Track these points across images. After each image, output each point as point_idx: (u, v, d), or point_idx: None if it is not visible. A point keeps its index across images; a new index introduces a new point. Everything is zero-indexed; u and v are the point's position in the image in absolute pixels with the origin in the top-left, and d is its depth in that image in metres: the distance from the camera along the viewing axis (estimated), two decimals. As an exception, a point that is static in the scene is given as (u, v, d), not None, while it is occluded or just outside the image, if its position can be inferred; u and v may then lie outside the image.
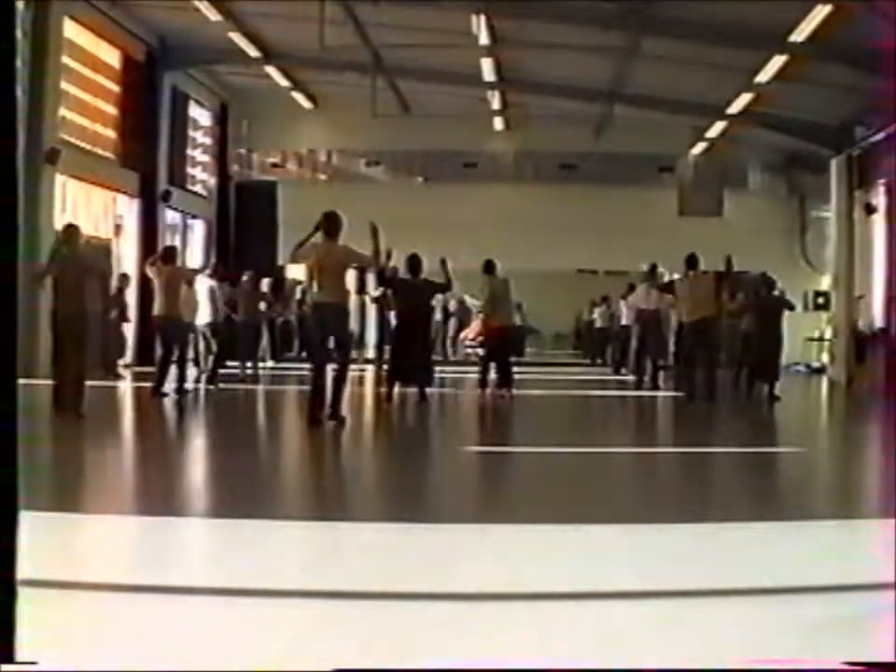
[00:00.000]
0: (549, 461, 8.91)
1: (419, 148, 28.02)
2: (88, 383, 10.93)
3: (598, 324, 25.26)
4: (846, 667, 2.92)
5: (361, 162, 29.61)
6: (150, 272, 13.76)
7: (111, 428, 10.99)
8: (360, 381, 17.33)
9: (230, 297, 16.89)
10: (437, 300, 17.25)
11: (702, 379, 14.43)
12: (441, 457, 9.46)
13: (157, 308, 13.47)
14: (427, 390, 13.78)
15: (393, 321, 14.88)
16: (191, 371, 15.16)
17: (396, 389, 13.61)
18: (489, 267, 14.81)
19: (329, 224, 10.26)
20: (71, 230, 11.29)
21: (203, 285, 15.93)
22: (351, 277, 14.15)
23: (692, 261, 14.62)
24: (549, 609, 4.13)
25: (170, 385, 13.45)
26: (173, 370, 13.51)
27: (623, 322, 19.79)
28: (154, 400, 13.05)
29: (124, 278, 19.04)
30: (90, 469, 8.08)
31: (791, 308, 15.80)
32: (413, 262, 13.56)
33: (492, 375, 14.57)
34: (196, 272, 15.28)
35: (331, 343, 10.39)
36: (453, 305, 26.43)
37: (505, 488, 7.74)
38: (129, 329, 19.67)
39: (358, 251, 10.46)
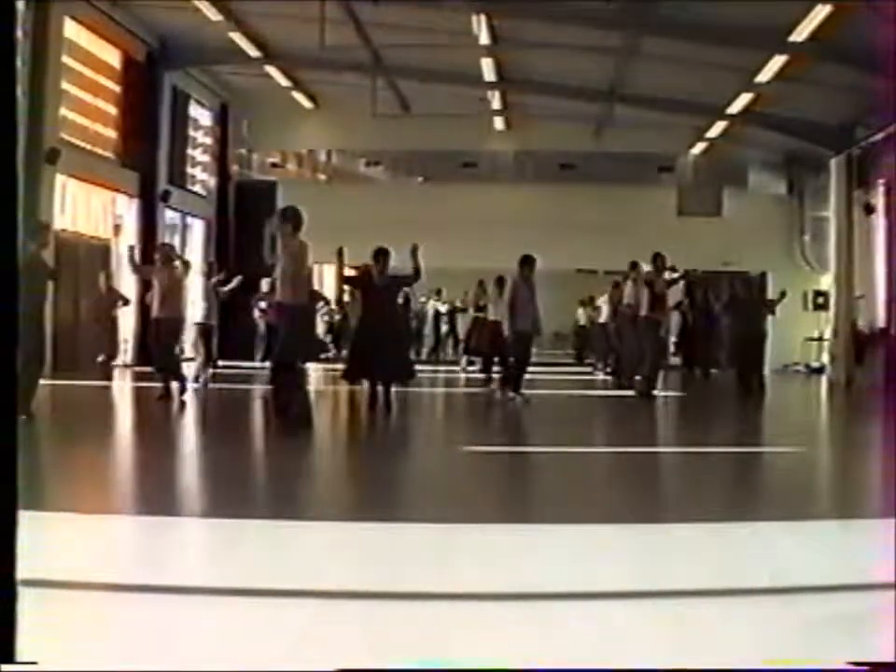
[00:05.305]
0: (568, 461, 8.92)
1: (419, 148, 27.94)
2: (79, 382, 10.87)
3: (602, 318, 25.29)
4: (846, 667, 2.92)
5: (361, 162, 29.59)
6: (150, 272, 13.75)
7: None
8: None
9: (231, 296, 16.73)
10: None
11: (642, 375, 14.85)
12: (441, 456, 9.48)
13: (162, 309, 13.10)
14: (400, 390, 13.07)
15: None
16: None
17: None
18: (528, 265, 13.76)
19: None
20: (43, 229, 11.13)
21: (198, 283, 15.83)
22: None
23: (654, 260, 15.07)
24: (549, 608, 4.13)
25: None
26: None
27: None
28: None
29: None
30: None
31: (772, 305, 16.36)
32: (379, 256, 12.11)
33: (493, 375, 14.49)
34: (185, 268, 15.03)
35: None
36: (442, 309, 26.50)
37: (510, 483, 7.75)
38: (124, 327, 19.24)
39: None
